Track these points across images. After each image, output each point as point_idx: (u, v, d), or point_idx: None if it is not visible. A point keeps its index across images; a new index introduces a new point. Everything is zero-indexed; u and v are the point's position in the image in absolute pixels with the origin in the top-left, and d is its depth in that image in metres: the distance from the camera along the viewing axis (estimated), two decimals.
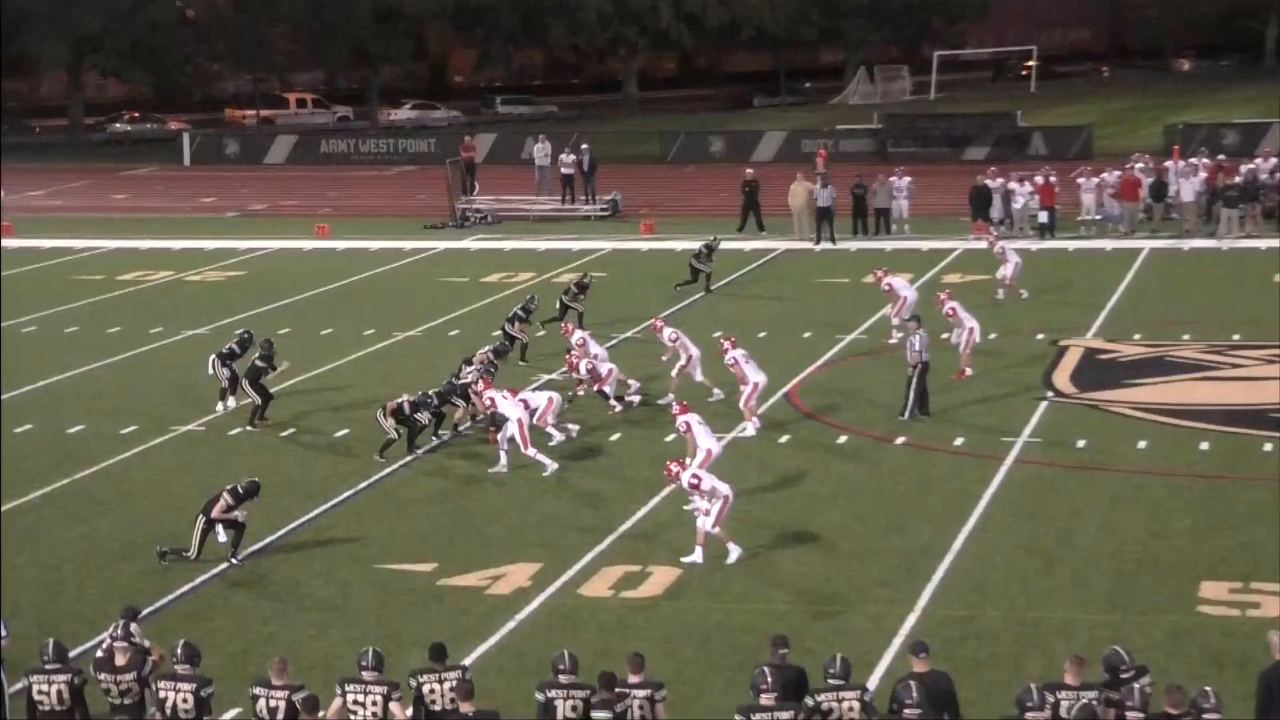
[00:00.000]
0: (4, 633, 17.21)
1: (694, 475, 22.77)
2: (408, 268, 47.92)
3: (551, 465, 26.86)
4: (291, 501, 25.79)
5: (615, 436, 28.84)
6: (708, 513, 22.56)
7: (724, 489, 22.71)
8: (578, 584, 22.09)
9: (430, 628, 20.19)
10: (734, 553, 22.52)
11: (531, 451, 26.82)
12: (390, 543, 23.96)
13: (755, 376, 28.87)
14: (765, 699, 15.25)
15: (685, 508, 24.42)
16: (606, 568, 22.60)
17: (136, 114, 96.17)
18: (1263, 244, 45.69)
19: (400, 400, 28.00)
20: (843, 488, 25.96)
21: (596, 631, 20.40)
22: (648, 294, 41.61)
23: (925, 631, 19.53)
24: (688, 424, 25.48)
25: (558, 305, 36.32)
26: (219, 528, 23.17)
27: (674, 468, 23.08)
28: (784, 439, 28.49)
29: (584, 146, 58.11)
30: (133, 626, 17.32)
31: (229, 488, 23.29)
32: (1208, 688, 15.16)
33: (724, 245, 48.91)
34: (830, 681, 15.57)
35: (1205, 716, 14.80)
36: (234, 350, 31.13)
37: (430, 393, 28.53)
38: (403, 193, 65.76)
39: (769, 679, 15.27)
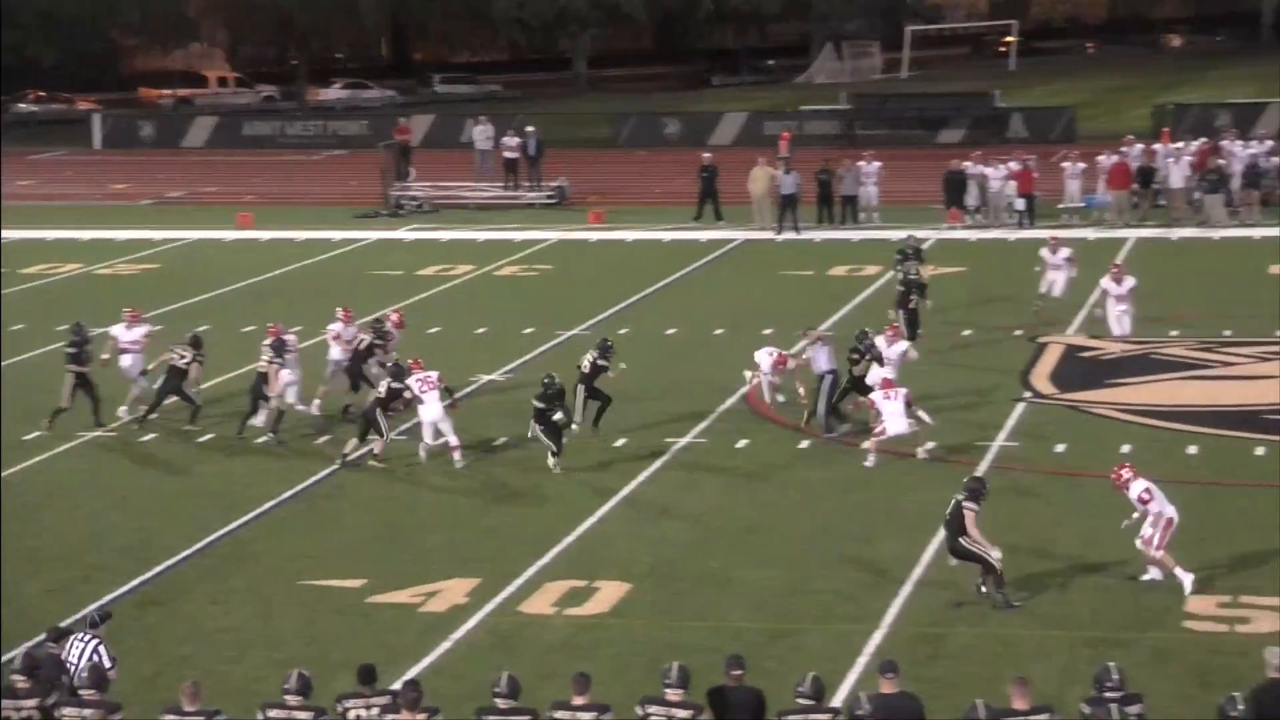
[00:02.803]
0: (109, 664, 17.27)
1: (1146, 490, 22.05)
2: (337, 260, 47.86)
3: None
4: (210, 514, 25.75)
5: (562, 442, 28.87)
6: (1150, 541, 21.94)
7: (1170, 510, 22.01)
8: (519, 601, 22.12)
9: (360, 648, 20.15)
10: (1186, 582, 21.60)
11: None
12: (317, 557, 23.94)
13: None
14: (671, 694, 15.70)
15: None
16: (550, 583, 22.64)
17: (42, 93, 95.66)
18: (1257, 233, 46.01)
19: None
20: (805, 496, 26.05)
21: (539, 652, 20.44)
22: (596, 288, 41.65)
23: (893, 650, 19.60)
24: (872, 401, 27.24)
25: None
26: None
27: (1125, 474, 22.34)
28: (742, 443, 28.56)
29: (529, 129, 58.06)
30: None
31: None
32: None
33: (679, 236, 49.13)
34: (799, 702, 15.68)
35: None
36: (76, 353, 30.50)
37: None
38: (332, 179, 65.66)
39: (675, 675, 15.80)
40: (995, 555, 21.39)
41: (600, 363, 28.91)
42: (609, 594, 22.20)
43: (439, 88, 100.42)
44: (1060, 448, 27.83)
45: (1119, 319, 33.89)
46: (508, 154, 56.95)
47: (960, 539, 21.50)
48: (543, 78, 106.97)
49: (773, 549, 23.76)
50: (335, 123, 79.49)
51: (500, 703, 15.80)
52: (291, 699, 15.95)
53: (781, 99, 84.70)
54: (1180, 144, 50.24)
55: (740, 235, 48.80)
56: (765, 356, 30.13)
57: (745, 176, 50.18)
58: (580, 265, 45.76)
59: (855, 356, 28.87)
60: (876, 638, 20.56)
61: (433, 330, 35.38)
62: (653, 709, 15.78)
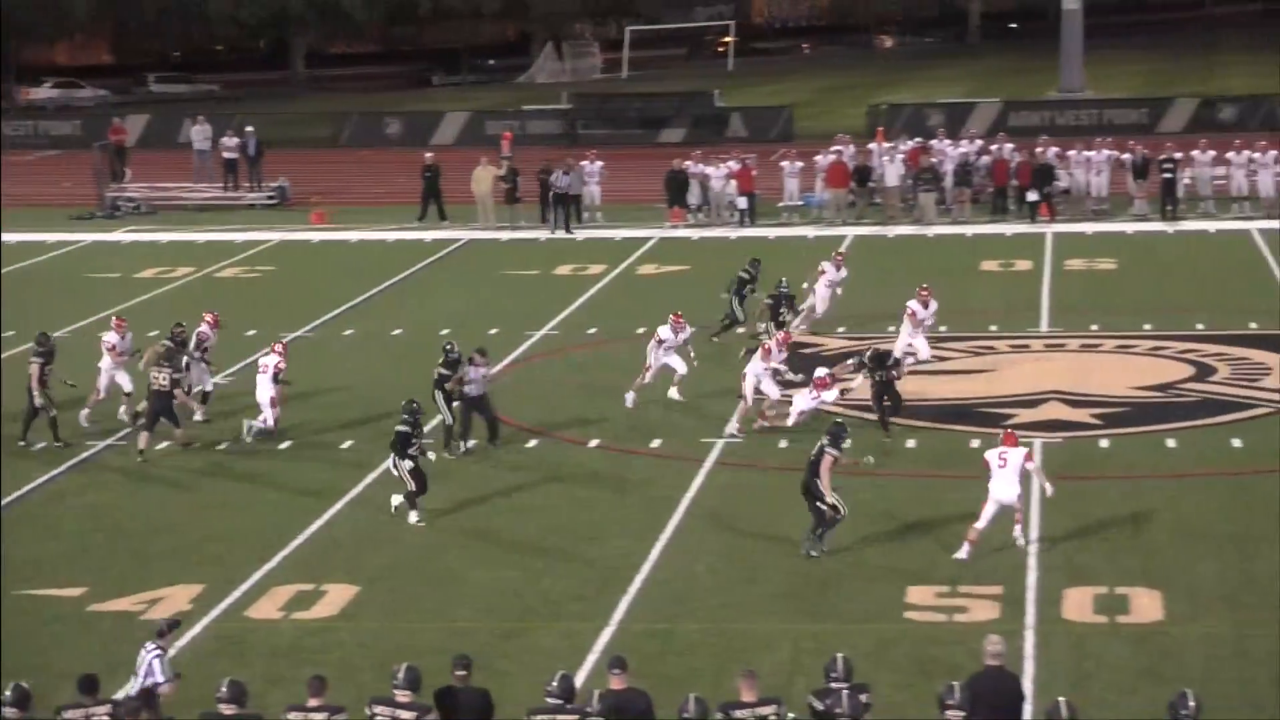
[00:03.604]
0: (161, 679, 16.77)
1: (985, 460, 23.17)
2: (51, 263, 46.85)
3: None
4: None
5: (284, 445, 28.60)
6: None
7: (996, 489, 22.80)
8: (245, 605, 21.91)
9: (81, 658, 19.80)
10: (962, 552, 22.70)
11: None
12: (35, 565, 23.47)
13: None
14: (399, 695, 15.73)
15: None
16: (276, 587, 22.45)
17: None
18: (969, 230, 47.12)
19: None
20: (533, 495, 26.10)
21: (267, 657, 20.25)
22: (320, 290, 41.30)
23: (622, 647, 19.74)
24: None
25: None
26: None
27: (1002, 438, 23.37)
28: (470, 443, 28.48)
29: (248, 129, 57.40)
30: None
31: None
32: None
33: (403, 236, 48.93)
34: (549, 701, 15.71)
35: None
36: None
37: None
38: (45, 180, 64.19)
39: (402, 676, 15.80)
40: (832, 501, 22.74)
41: (443, 372, 27.92)
42: (337, 596, 22.07)
43: (154, 87, 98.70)
44: (783, 444, 28.17)
45: (924, 344, 32.30)
46: (227, 154, 56.24)
47: (815, 479, 22.81)
48: (261, 77, 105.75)
49: (503, 548, 23.78)
50: (46, 122, 77.80)
51: (224, 709, 15.63)
52: (9, 712, 15.61)
53: (503, 99, 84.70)
54: (893, 143, 51.24)
55: (464, 235, 48.75)
56: (665, 328, 30.42)
57: (468, 176, 50.14)
58: (303, 266, 45.36)
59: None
60: (606, 635, 20.69)
61: (152, 334, 34.67)
62: (379, 709, 15.72)
